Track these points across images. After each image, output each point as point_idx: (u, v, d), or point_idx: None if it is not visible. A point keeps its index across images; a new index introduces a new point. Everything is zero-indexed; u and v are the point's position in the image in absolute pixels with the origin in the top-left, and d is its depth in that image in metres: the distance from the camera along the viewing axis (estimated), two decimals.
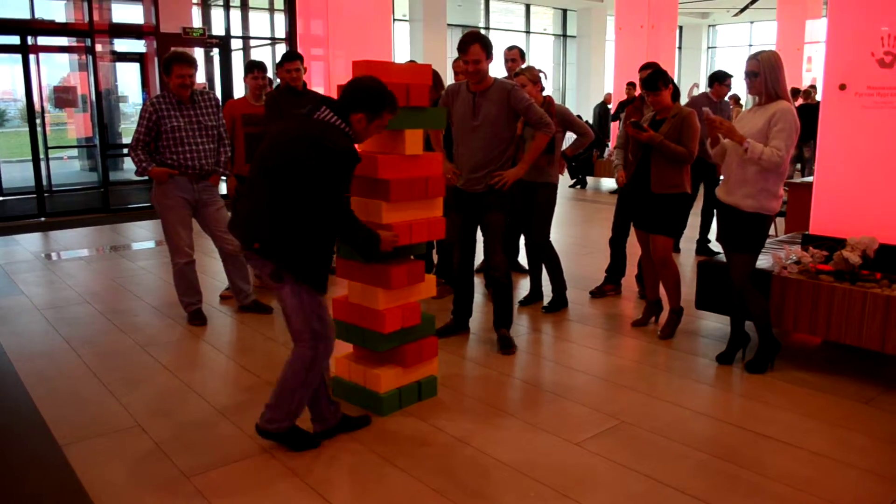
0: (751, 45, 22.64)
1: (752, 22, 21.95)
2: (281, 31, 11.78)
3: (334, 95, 3.31)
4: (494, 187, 4.11)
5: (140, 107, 11.90)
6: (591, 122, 13.00)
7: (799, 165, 12.53)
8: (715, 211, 4.08)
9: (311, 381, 2.97)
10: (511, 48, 5.71)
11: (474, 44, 3.92)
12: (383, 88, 2.87)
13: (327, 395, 3.12)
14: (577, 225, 8.77)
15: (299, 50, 8.21)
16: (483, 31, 17.51)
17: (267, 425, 3.00)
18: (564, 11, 19.53)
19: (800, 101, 12.52)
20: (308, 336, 2.91)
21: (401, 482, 2.84)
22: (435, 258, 5.95)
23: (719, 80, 6.65)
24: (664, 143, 4.26)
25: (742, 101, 13.20)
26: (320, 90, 6.14)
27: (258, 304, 5.07)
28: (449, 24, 15.59)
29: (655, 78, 4.33)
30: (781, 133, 3.61)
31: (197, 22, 10.87)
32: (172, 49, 4.91)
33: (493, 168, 4.12)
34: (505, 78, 4.46)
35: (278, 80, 5.39)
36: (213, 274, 6.05)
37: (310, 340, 2.92)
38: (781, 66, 3.69)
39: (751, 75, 3.71)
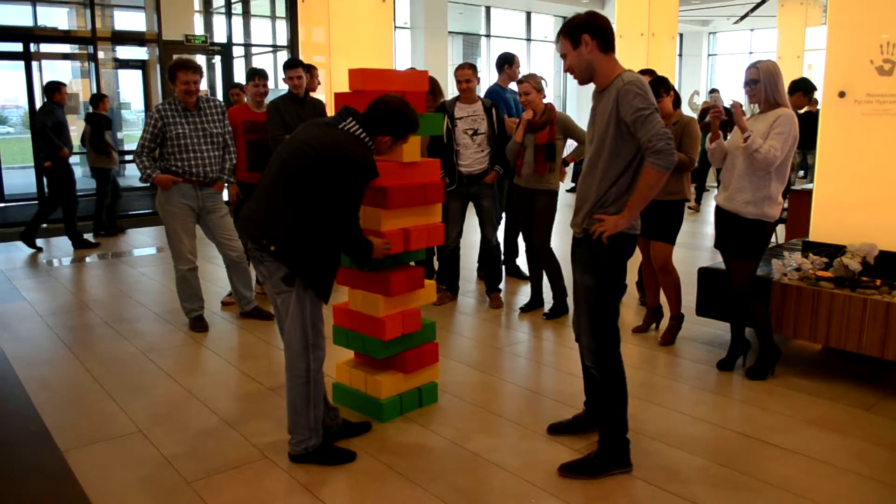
0: (751, 53, 22.69)
1: (752, 29, 22.00)
2: (283, 39, 11.84)
3: (332, 103, 3.32)
4: (593, 236, 2.83)
5: (142, 114, 12.00)
6: None
7: (802, 172, 12.51)
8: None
9: (317, 393, 2.99)
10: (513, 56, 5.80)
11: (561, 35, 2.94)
12: (411, 112, 2.94)
13: (326, 400, 3.13)
14: None
15: (301, 57, 8.24)
16: (484, 38, 17.52)
17: (296, 448, 3.02)
18: (565, 19, 19.62)
19: (805, 109, 12.51)
20: (298, 344, 2.91)
21: (401, 488, 2.84)
22: (436, 264, 5.96)
23: (804, 90, 6.44)
24: None
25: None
26: (321, 97, 6.17)
27: (260, 310, 5.08)
28: (450, 32, 15.65)
29: (656, 85, 4.34)
30: (780, 135, 3.64)
31: (199, 29, 10.94)
32: (176, 56, 4.95)
33: (596, 207, 2.84)
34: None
35: (286, 87, 5.38)
36: (215, 280, 6.07)
37: (299, 349, 2.92)
38: (780, 75, 3.75)
39: (751, 83, 3.75)
